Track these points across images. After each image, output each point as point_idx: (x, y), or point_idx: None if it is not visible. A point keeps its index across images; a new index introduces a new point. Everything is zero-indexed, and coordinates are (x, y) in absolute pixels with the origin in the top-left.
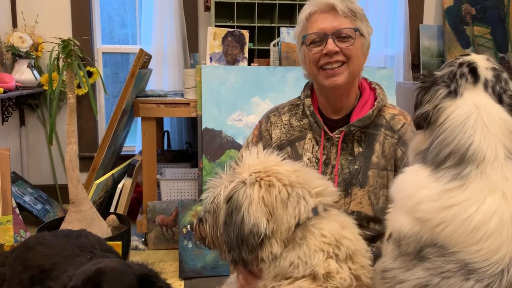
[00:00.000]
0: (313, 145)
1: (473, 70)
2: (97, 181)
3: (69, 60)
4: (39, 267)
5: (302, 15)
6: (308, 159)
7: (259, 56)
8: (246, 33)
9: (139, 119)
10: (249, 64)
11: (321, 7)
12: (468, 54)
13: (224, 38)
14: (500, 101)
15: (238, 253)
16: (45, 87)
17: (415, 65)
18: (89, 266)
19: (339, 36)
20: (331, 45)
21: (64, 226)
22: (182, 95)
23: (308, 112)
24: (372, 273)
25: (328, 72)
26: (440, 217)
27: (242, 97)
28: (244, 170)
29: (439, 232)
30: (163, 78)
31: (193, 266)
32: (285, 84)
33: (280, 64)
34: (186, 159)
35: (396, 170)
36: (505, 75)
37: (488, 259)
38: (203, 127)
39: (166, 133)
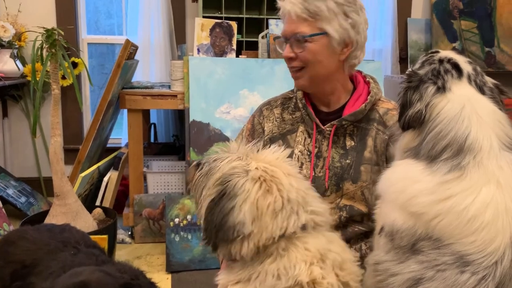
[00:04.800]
0: (305, 138)
1: (456, 65)
2: (83, 174)
3: (53, 50)
4: (21, 262)
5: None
6: (299, 151)
7: (247, 48)
8: (234, 25)
9: (125, 111)
10: (237, 56)
11: (283, 11)
12: (437, 51)
13: (212, 30)
14: (482, 92)
15: (212, 235)
16: (29, 78)
17: (403, 59)
18: (68, 278)
19: (295, 40)
20: (286, 51)
21: (48, 219)
22: (169, 86)
23: (300, 105)
24: (360, 277)
25: (292, 74)
26: (436, 210)
27: (230, 90)
28: (256, 159)
29: (435, 225)
30: (149, 70)
31: (180, 260)
32: (274, 76)
33: (269, 56)
34: (173, 152)
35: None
36: (478, 68)
37: (483, 250)
38: (191, 119)
39: (152, 126)
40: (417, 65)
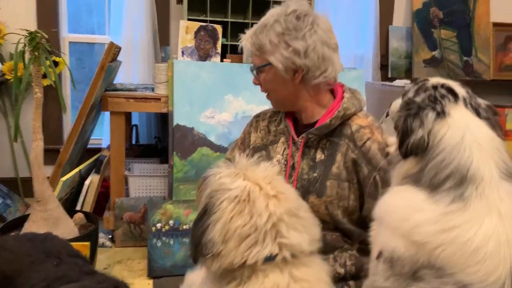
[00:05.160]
0: (285, 148)
1: (451, 90)
2: (64, 178)
3: (36, 53)
4: (1, 274)
5: None
6: (277, 160)
7: (231, 52)
8: (219, 28)
9: (107, 112)
10: (221, 59)
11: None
12: (426, 79)
13: (196, 32)
14: (477, 114)
15: (192, 248)
16: (7, 76)
17: (383, 66)
18: None
19: (253, 71)
20: (253, 79)
21: (28, 225)
22: (153, 89)
23: (283, 117)
24: None
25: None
26: (440, 240)
27: (214, 94)
28: (245, 176)
29: (438, 254)
30: (132, 71)
31: (162, 265)
32: None
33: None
34: (155, 154)
35: (363, 189)
36: (470, 90)
37: (485, 280)
38: (175, 123)
39: (134, 127)
40: (411, 94)
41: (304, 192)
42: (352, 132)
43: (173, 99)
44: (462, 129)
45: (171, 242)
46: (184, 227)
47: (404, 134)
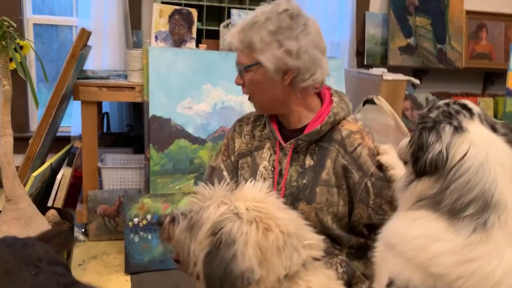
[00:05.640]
0: (271, 154)
1: (465, 106)
2: (35, 173)
3: (3, 43)
4: None
5: None
6: (264, 167)
7: (207, 36)
8: (194, 12)
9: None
10: (197, 45)
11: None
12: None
13: (171, 16)
14: (494, 131)
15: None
16: None
17: (359, 52)
18: None
19: (239, 70)
20: (236, 78)
21: None
22: (126, 76)
23: (266, 122)
24: None
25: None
26: (460, 272)
27: (192, 84)
28: (240, 199)
29: (458, 287)
30: (102, 56)
31: (140, 261)
32: None
33: (231, 49)
34: (128, 143)
35: (354, 194)
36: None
37: None
38: (150, 114)
39: (105, 115)
40: (424, 112)
41: (293, 199)
42: (342, 137)
43: (148, 89)
44: (484, 147)
45: (149, 236)
46: None
47: (419, 149)
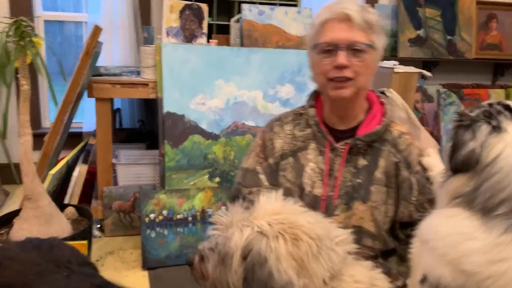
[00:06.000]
0: (317, 155)
1: (508, 107)
2: (52, 171)
3: (21, 43)
4: (8, 286)
5: (317, 20)
6: (311, 169)
7: (218, 32)
8: (205, 7)
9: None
10: (207, 40)
11: (338, 15)
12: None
13: (181, 12)
14: None
15: None
16: None
17: None
18: None
19: (351, 49)
20: (341, 58)
21: (20, 223)
22: (138, 72)
23: (311, 122)
24: None
25: (336, 83)
26: (490, 271)
27: (204, 80)
28: (259, 216)
29: (487, 286)
30: (112, 52)
31: (157, 256)
32: (250, 66)
33: (242, 43)
34: (140, 139)
35: (399, 191)
36: None
37: None
38: (165, 110)
39: (117, 111)
40: (469, 110)
41: (349, 199)
42: (393, 137)
43: (162, 85)
44: None
45: (165, 232)
46: (178, 217)
47: (454, 146)
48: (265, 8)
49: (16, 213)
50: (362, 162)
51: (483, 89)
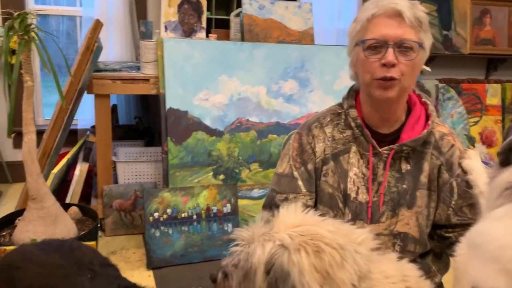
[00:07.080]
0: (358, 159)
1: None
2: (54, 170)
3: (26, 38)
4: None
5: (363, 15)
6: (354, 174)
7: (216, 26)
8: (203, 1)
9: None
10: (207, 34)
11: (386, 10)
12: None
13: (180, 6)
14: None
15: None
16: None
17: None
18: None
19: (400, 46)
20: (390, 55)
21: (24, 225)
22: (138, 68)
23: (353, 124)
24: None
25: (381, 83)
26: None
27: (208, 75)
28: (280, 230)
29: None
30: (108, 46)
31: (162, 255)
32: (253, 61)
33: (242, 37)
34: (138, 136)
35: (439, 194)
36: None
37: None
38: (167, 107)
39: (114, 108)
40: None
41: (394, 205)
42: (436, 139)
43: (164, 81)
44: None
45: (170, 231)
46: (183, 215)
47: (504, 139)
48: (266, 2)
49: (17, 214)
50: (405, 166)
51: (480, 84)
